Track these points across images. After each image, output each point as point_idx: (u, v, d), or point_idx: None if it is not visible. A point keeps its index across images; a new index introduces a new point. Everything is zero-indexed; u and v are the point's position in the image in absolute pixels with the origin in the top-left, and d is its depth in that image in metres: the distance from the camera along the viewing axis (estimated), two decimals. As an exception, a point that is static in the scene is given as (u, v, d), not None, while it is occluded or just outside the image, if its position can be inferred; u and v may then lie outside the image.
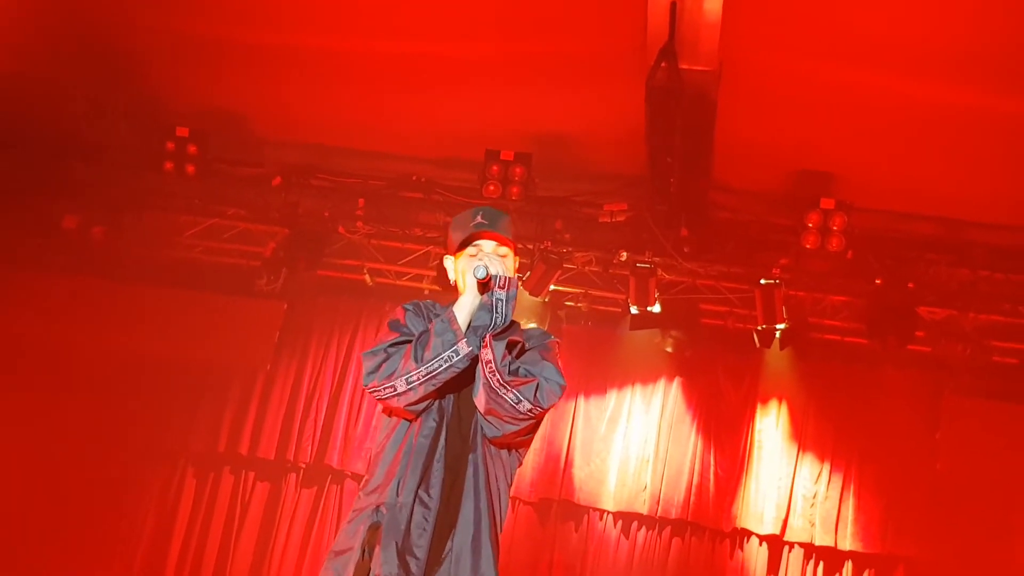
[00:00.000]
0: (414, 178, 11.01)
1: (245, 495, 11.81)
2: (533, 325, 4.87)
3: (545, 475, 11.47)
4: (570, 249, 10.85)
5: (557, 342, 4.56)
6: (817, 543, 11.04)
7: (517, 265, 4.58)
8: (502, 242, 4.44)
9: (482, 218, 4.46)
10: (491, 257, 4.34)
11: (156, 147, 10.78)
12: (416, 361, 4.17)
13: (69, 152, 11.16)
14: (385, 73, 9.69)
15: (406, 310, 4.52)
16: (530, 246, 10.72)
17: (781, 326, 10.60)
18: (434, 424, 4.30)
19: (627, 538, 11.35)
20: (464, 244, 4.46)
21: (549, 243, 10.72)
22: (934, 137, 9.10)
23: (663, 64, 8.09)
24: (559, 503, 11.42)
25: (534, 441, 11.17)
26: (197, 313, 11.69)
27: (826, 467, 11.24)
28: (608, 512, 11.37)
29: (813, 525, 11.10)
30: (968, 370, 10.74)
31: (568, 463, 11.49)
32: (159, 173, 10.84)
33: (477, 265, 4.24)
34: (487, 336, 4.19)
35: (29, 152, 11.11)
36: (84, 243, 11.39)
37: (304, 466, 11.76)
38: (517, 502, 11.35)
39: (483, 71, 9.43)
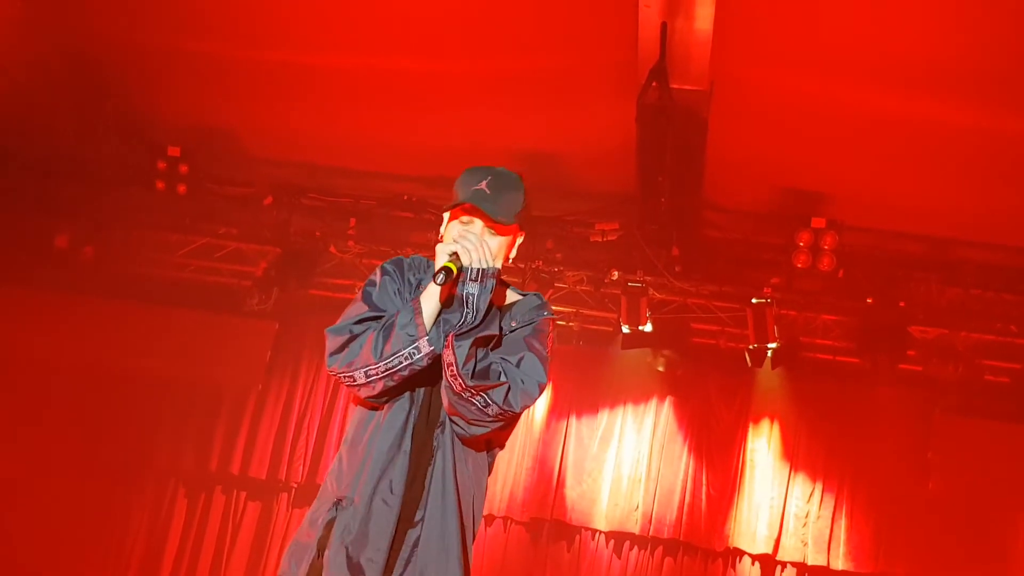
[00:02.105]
0: (405, 197, 11.01)
1: (237, 515, 11.76)
2: (532, 294, 4.05)
3: (537, 495, 11.44)
4: (561, 268, 10.86)
5: (551, 320, 3.99)
6: (810, 563, 11.03)
7: (516, 249, 4.03)
8: (495, 227, 3.86)
9: (486, 186, 3.87)
10: (472, 239, 3.75)
11: (147, 166, 10.78)
12: (376, 355, 3.73)
13: (60, 171, 11.15)
14: (376, 92, 9.70)
15: (384, 273, 4.01)
16: (521, 265, 10.72)
17: (773, 345, 10.60)
18: (403, 413, 3.84)
19: (619, 558, 11.32)
20: (456, 210, 3.91)
21: (540, 262, 10.72)
22: (925, 156, 9.12)
23: (654, 83, 8.10)
24: (551, 523, 11.38)
25: (525, 460, 11.22)
26: (189, 332, 11.66)
27: (818, 486, 11.23)
28: (600, 532, 11.35)
29: (806, 544, 11.08)
30: (960, 389, 10.75)
31: (560, 482, 11.47)
32: (150, 192, 10.84)
33: (442, 254, 3.73)
34: (449, 336, 3.66)
35: (21, 171, 11.12)
36: (75, 262, 11.37)
37: (296, 486, 11.71)
38: (509, 521, 11.33)
39: (475, 90, 9.44)
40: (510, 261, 4.05)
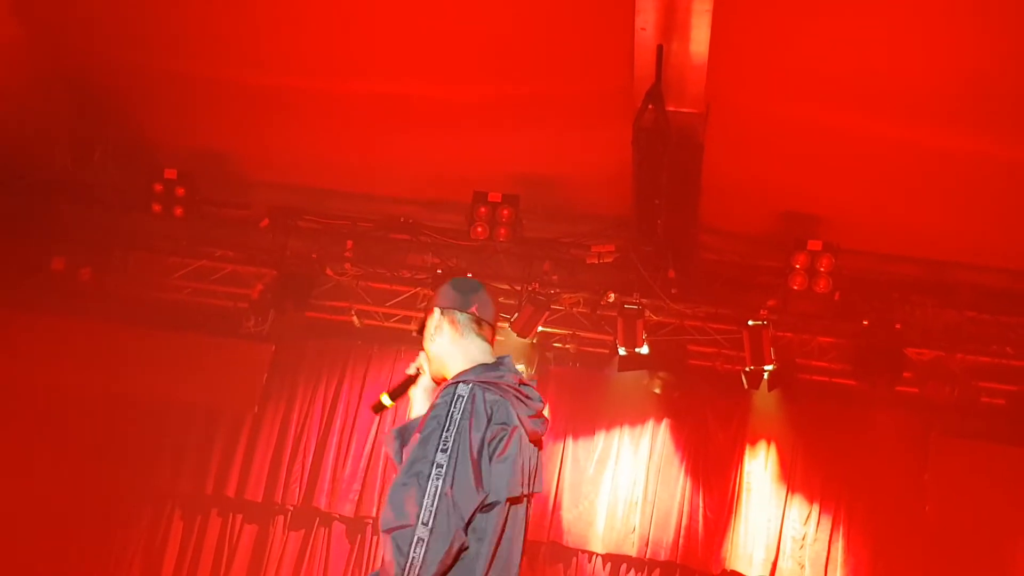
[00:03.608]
0: (402, 220, 11.02)
1: (233, 537, 11.75)
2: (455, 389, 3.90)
3: (533, 517, 11.32)
4: (558, 290, 10.86)
5: (437, 418, 3.77)
6: (806, 585, 11.01)
7: (440, 325, 4.23)
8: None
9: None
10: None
11: (144, 189, 10.77)
12: None
13: (57, 193, 11.16)
14: (373, 115, 9.72)
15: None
16: (518, 287, 10.74)
17: (769, 367, 10.60)
18: None
19: (616, 581, 11.30)
20: None
21: (537, 284, 10.73)
22: (920, 180, 9.14)
23: (650, 106, 8.11)
24: (547, 545, 11.36)
25: None
26: (185, 354, 11.67)
27: (815, 508, 11.23)
28: (597, 554, 11.34)
29: (803, 567, 11.08)
30: (956, 411, 10.76)
31: (556, 505, 11.46)
32: (147, 215, 10.83)
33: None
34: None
35: (18, 193, 11.12)
36: (72, 284, 11.35)
37: (292, 509, 11.70)
38: (505, 544, 11.29)
39: (471, 113, 9.46)
40: (441, 336, 4.24)
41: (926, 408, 10.91)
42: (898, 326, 10.37)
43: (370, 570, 11.35)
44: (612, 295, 10.66)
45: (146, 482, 11.71)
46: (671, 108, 8.14)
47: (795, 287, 9.90)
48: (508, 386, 3.96)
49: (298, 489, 11.73)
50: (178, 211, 10.78)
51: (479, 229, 10.15)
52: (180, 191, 10.74)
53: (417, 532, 3.51)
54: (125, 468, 11.53)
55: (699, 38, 7.50)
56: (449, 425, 3.72)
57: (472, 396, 3.80)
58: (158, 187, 10.75)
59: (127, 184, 10.94)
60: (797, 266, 9.88)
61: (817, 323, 10.78)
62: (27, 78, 9.72)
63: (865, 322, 10.41)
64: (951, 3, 7.47)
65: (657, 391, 11.50)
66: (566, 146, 9.62)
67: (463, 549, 3.62)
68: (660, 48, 7.69)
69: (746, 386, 10.94)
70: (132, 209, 10.98)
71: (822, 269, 9.85)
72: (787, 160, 9.32)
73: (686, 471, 11.47)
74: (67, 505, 11.12)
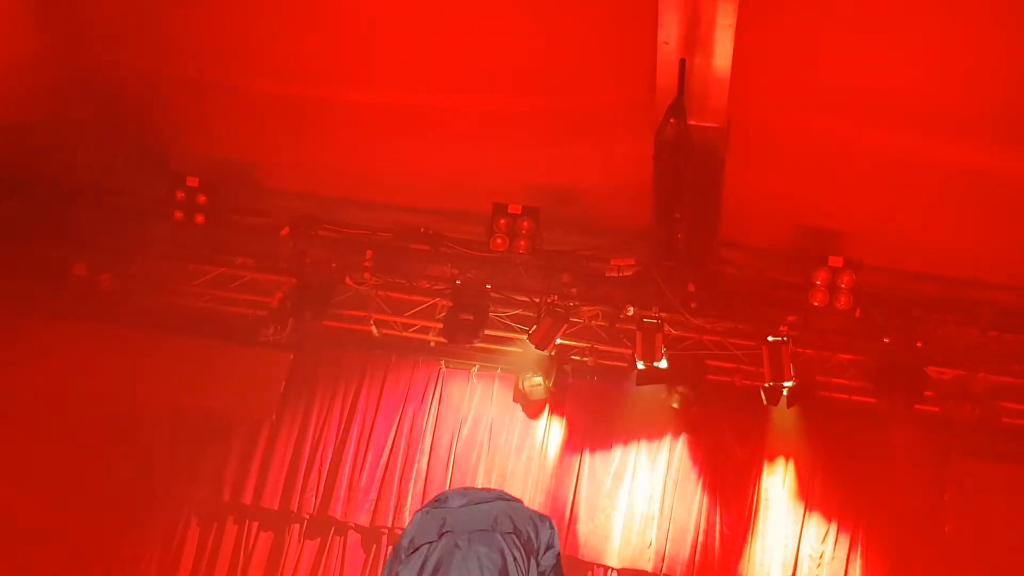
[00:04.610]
0: (422, 230, 11.00)
1: (248, 545, 11.74)
2: None
3: (549, 530, 11.34)
4: (577, 303, 10.83)
5: None
6: (823, 604, 10.92)
7: None
8: None
9: None
10: None
11: (166, 196, 10.82)
12: None
13: (79, 200, 11.21)
14: (394, 125, 9.74)
15: None
16: (537, 299, 10.71)
17: (788, 384, 10.53)
18: None
19: (631, 596, 11.24)
20: None
21: (556, 297, 10.70)
22: (943, 196, 9.10)
23: (672, 120, 8.08)
24: (563, 559, 11.26)
25: (537, 495, 11.23)
26: (204, 361, 11.68)
27: (833, 527, 11.15)
28: (612, 569, 11.28)
29: (820, 585, 10.99)
30: (977, 431, 10.67)
31: (572, 518, 11.41)
32: (168, 222, 10.87)
33: None
34: None
35: (41, 200, 11.18)
36: (92, 290, 11.39)
37: (308, 517, 11.69)
38: (521, 557, 11.23)
39: (492, 124, 9.47)
40: None
41: (947, 428, 10.81)
42: (919, 344, 10.30)
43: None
44: (631, 309, 10.62)
45: (163, 488, 11.73)
46: (693, 122, 8.10)
47: (816, 303, 9.84)
48: None
49: (314, 497, 11.73)
50: (199, 219, 10.82)
51: (499, 241, 10.13)
52: (202, 199, 10.78)
53: None
54: (142, 474, 11.55)
55: (722, 53, 7.48)
56: None
57: None
58: (180, 194, 10.79)
59: (149, 191, 11.00)
60: (818, 282, 9.83)
61: (838, 340, 10.72)
62: (50, 86, 9.78)
63: (886, 340, 10.35)
64: (973, 19, 7.44)
65: (675, 406, 11.43)
66: (587, 158, 9.61)
67: None
68: (683, 62, 7.67)
69: (765, 402, 10.86)
70: (153, 216, 11.04)
71: (843, 286, 9.80)
72: (808, 175, 9.28)
73: (703, 487, 11.41)
74: (84, 510, 11.13)
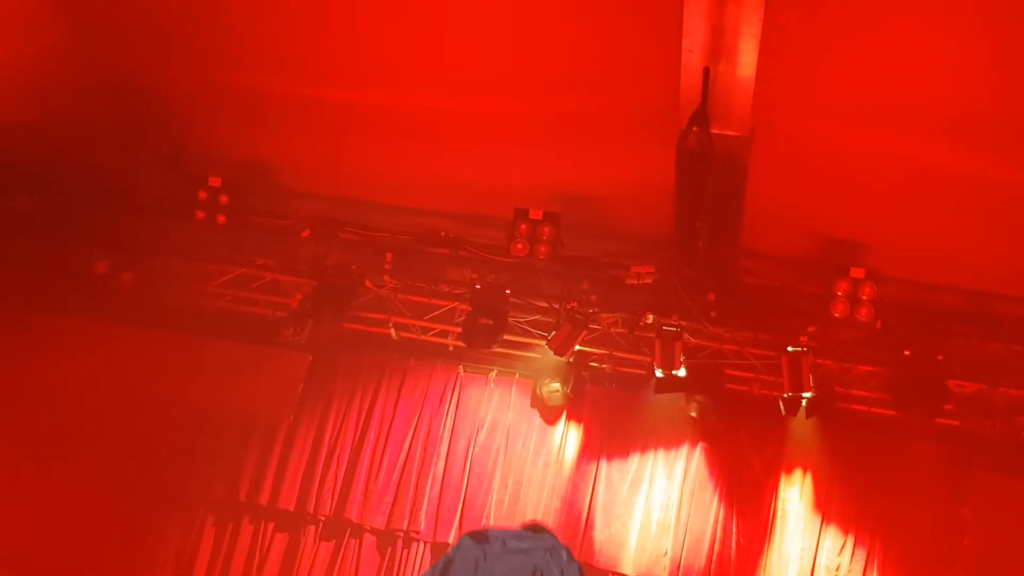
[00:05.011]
0: (442, 234, 11.01)
1: (264, 546, 11.76)
2: None
3: (565, 536, 11.31)
4: (596, 310, 10.81)
5: None
6: (839, 616, 10.86)
7: None
8: None
9: None
10: None
11: (188, 196, 10.86)
12: None
13: (102, 199, 11.25)
14: (416, 128, 9.75)
15: None
16: (556, 305, 10.70)
17: (808, 394, 10.48)
18: None
19: (646, 604, 11.19)
20: None
21: (575, 303, 10.69)
22: (968, 208, 9.04)
23: (694, 128, 8.05)
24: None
25: (553, 500, 11.29)
26: (222, 361, 11.69)
27: (850, 539, 11.09)
28: (627, 577, 11.23)
29: (836, 597, 10.93)
30: (997, 445, 10.61)
31: (588, 525, 11.38)
32: (190, 221, 10.91)
33: None
34: None
35: (63, 198, 11.23)
36: (114, 289, 11.43)
37: (324, 519, 11.70)
38: (536, 562, 11.20)
39: (514, 128, 9.46)
40: None
41: (967, 441, 10.75)
42: (940, 357, 10.25)
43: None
44: (651, 316, 10.59)
45: (180, 488, 11.76)
46: (716, 131, 8.07)
47: (836, 314, 9.81)
48: None
49: (330, 499, 11.74)
50: (221, 219, 10.85)
51: (519, 246, 10.13)
52: (224, 199, 10.82)
53: None
54: (159, 473, 11.57)
55: (746, 61, 7.44)
56: None
57: None
58: (202, 194, 10.83)
59: (171, 191, 11.02)
60: (839, 293, 9.79)
61: (858, 351, 10.68)
62: (73, 83, 9.82)
63: (907, 352, 10.30)
64: (999, 30, 7.39)
65: (693, 415, 11.39)
66: (609, 165, 9.59)
67: None
68: (707, 70, 7.63)
69: (783, 412, 10.80)
70: (175, 216, 11.07)
71: (864, 297, 9.76)
72: (831, 185, 9.24)
73: (720, 496, 11.37)
74: (100, 508, 11.15)
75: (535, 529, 5.13)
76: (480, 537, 4.87)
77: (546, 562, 4.67)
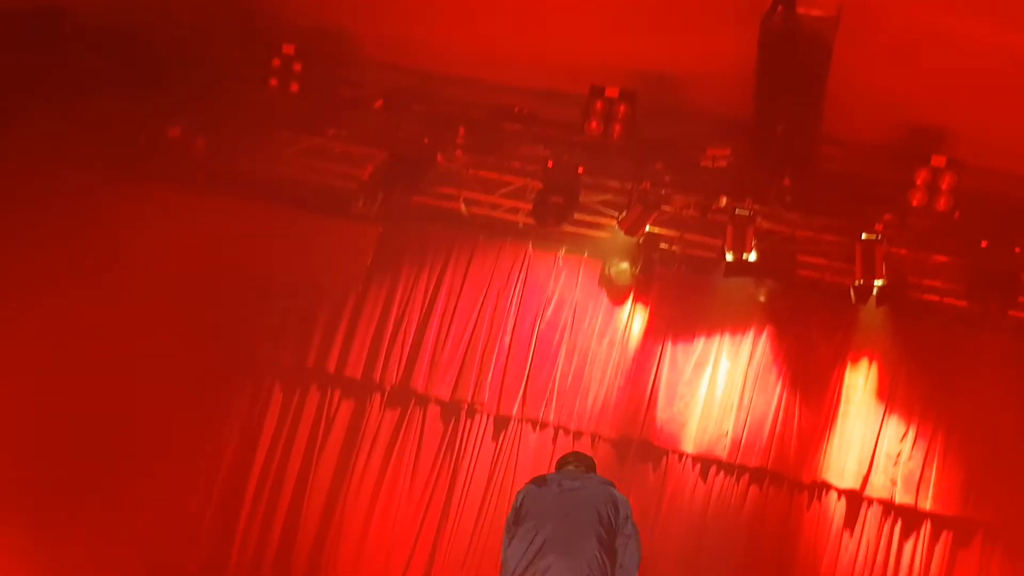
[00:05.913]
0: (516, 109, 10.90)
1: (330, 413, 11.94)
2: None
3: (627, 413, 11.44)
4: (669, 191, 10.72)
5: None
6: (897, 501, 10.94)
7: None
8: None
9: None
10: None
11: (262, 62, 10.80)
12: None
13: (175, 62, 11.20)
14: (495, 1, 9.60)
15: None
16: (628, 185, 10.62)
17: (879, 283, 10.41)
18: None
19: (704, 482, 11.30)
20: None
21: (648, 184, 10.60)
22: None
23: (780, 7, 7.90)
24: (638, 443, 11.39)
25: (618, 378, 11.68)
26: (293, 231, 11.76)
27: (912, 429, 11.10)
28: (687, 455, 11.33)
29: (894, 483, 10.98)
30: (1070, 340, 10.48)
31: (651, 404, 11.45)
32: (263, 88, 10.88)
33: None
34: None
35: (135, 60, 11.17)
36: (186, 154, 11.47)
37: (389, 388, 11.86)
38: (596, 438, 11.37)
39: (595, 4, 9.30)
40: None
41: (1039, 335, 10.63)
42: (1018, 250, 10.11)
43: (462, 455, 11.53)
44: (724, 199, 10.51)
45: (248, 354, 11.92)
46: (802, 11, 7.91)
47: (914, 203, 9.71)
48: None
49: (397, 369, 11.87)
50: (294, 87, 10.82)
51: (594, 124, 10.03)
52: (297, 67, 10.76)
53: None
54: (229, 338, 11.70)
55: (837, -61, 7.24)
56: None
57: None
58: (276, 62, 10.78)
59: (245, 57, 10.98)
60: (918, 182, 9.67)
61: (933, 241, 10.55)
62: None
63: (983, 243, 10.15)
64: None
65: (762, 299, 11.37)
66: (689, 44, 9.41)
67: None
68: (795, -53, 7.45)
69: (853, 300, 10.73)
70: (249, 82, 11.04)
71: (944, 186, 9.64)
72: (919, 70, 9.02)
73: (784, 380, 11.38)
74: (168, 375, 11.21)
75: (579, 461, 7.06)
76: (540, 481, 6.71)
77: (605, 496, 6.50)
